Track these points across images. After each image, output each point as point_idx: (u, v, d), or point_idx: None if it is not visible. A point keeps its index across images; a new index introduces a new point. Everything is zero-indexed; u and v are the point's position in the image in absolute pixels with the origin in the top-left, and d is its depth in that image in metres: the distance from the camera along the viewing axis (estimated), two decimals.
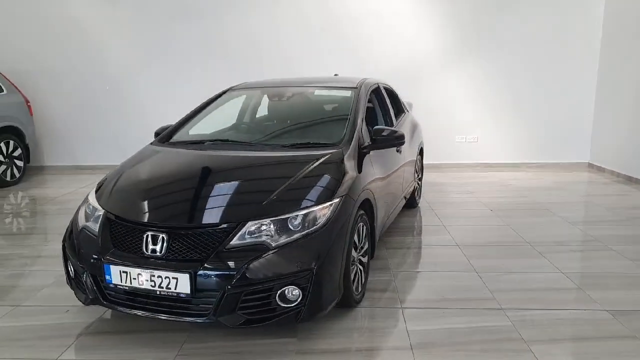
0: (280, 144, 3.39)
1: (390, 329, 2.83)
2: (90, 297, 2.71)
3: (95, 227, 2.78)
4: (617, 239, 4.35)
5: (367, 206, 3.28)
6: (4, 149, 6.84)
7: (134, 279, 2.54)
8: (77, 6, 7.77)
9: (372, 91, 4.35)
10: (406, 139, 4.60)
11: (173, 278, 2.47)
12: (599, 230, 4.61)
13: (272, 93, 4.29)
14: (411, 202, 5.33)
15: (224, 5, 7.63)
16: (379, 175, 3.56)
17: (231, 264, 2.45)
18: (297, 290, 2.51)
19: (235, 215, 2.60)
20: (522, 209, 5.42)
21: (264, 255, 2.48)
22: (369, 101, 4.39)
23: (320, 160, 3.02)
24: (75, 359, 2.56)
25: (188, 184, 2.92)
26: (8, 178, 6.91)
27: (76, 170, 8.06)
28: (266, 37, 7.70)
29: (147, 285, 2.52)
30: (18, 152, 7.10)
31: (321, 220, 2.65)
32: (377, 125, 4.29)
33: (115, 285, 2.59)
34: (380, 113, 4.36)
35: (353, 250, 2.94)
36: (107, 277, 2.60)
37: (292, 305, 2.53)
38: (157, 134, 3.88)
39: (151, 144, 3.61)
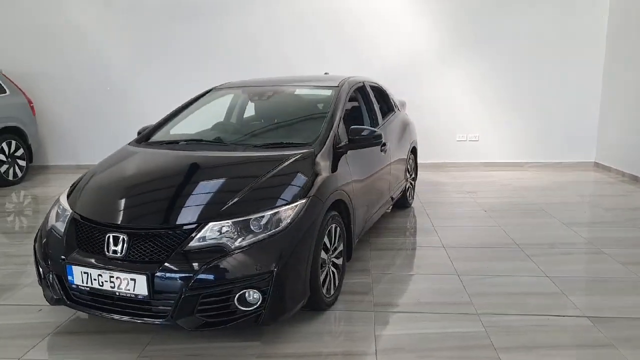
0: (253, 144, 3.35)
1: (358, 333, 2.76)
2: (56, 297, 2.71)
3: (62, 227, 2.78)
4: (612, 241, 4.21)
5: (342, 207, 3.22)
6: (6, 149, 6.93)
7: (95, 279, 2.52)
8: (78, 10, 7.83)
9: (357, 89, 4.28)
10: (395, 137, 4.58)
11: (131, 279, 2.45)
12: (594, 232, 4.48)
13: (252, 93, 4.26)
14: (402, 203, 5.25)
15: (223, 5, 7.63)
16: (358, 176, 3.50)
17: (188, 266, 2.42)
18: (257, 294, 2.47)
19: (196, 217, 2.56)
20: (518, 209, 5.29)
21: (222, 258, 2.44)
22: (354, 100, 4.34)
23: (289, 161, 2.96)
24: (38, 359, 2.56)
25: (153, 184, 2.89)
26: (10, 177, 7.00)
27: (78, 169, 8.14)
28: (265, 37, 7.67)
29: (107, 286, 2.50)
30: (20, 152, 7.19)
31: (285, 222, 2.60)
32: (362, 124, 4.23)
33: (77, 285, 2.59)
34: (365, 112, 4.29)
35: (323, 252, 2.89)
36: (70, 277, 2.59)
37: (252, 308, 2.48)
38: (138, 134, 3.88)
39: (129, 144, 3.60)
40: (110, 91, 8.09)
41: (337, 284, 3.15)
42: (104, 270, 2.49)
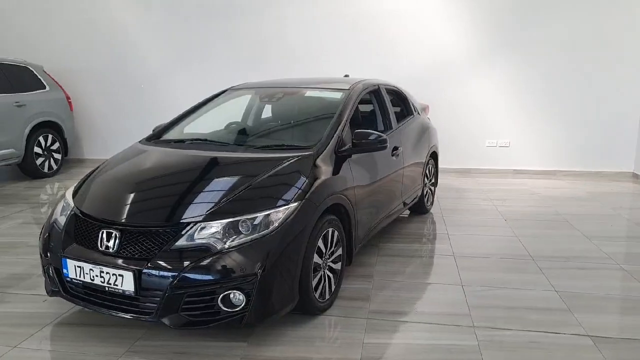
0: (255, 145, 3.37)
1: (346, 340, 2.73)
2: (53, 289, 2.81)
3: (63, 221, 2.87)
4: (634, 258, 3.99)
5: (343, 211, 3.20)
6: (42, 142, 7.25)
7: (87, 274, 2.60)
8: (117, 10, 8.12)
9: (372, 92, 4.23)
10: (411, 142, 4.50)
11: (119, 275, 2.51)
12: (616, 247, 4.25)
13: (264, 94, 4.27)
14: (419, 208, 5.15)
15: (255, 7, 7.70)
16: (362, 180, 3.46)
17: (174, 264, 2.46)
18: (241, 295, 2.48)
19: (186, 216, 2.59)
20: (540, 219, 5.09)
21: (207, 258, 2.46)
22: (368, 102, 4.30)
23: (286, 163, 2.96)
24: (31, 348, 2.66)
25: (150, 183, 2.95)
26: (46, 170, 7.32)
27: None
28: (295, 38, 7.69)
29: (97, 280, 2.57)
30: (56, 145, 7.51)
31: (274, 225, 2.59)
32: (375, 127, 4.18)
33: (72, 279, 2.67)
34: (379, 115, 4.23)
35: (317, 256, 2.87)
36: (65, 270, 2.68)
37: (236, 309, 2.49)
38: (153, 131, 3.97)
39: (139, 141, 3.68)
40: (145, 88, 8.34)
41: (333, 289, 3.12)
42: (95, 265, 2.56)
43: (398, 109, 4.82)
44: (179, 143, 3.51)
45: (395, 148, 4.11)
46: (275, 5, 7.66)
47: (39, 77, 7.40)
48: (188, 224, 2.55)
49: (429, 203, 5.32)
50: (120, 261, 2.52)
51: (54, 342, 2.72)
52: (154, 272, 2.46)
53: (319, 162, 3.07)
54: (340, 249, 3.18)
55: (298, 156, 3.05)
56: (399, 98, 4.89)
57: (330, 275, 3.08)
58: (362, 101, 4.30)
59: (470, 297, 3.25)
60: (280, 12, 7.66)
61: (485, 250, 4.16)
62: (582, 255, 4.04)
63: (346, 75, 5.16)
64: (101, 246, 2.61)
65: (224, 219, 2.56)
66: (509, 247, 4.25)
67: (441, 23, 7.29)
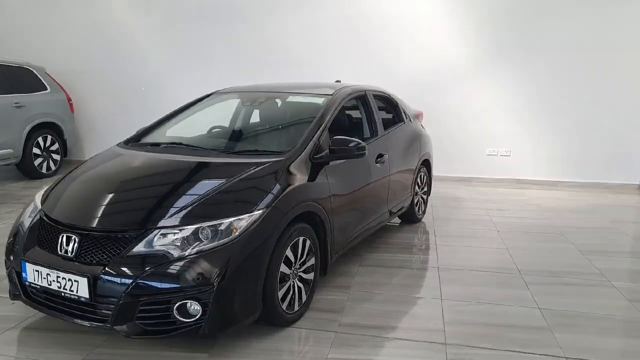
0: (229, 150, 3.30)
1: (309, 354, 2.63)
2: (15, 292, 2.76)
3: (27, 224, 2.83)
4: (626, 274, 3.84)
5: (317, 220, 3.11)
6: (42, 143, 7.28)
7: (44, 278, 2.55)
8: (119, 12, 8.16)
9: (358, 98, 4.15)
10: (400, 149, 4.41)
11: (75, 281, 2.45)
12: (610, 262, 4.09)
13: (246, 98, 4.21)
14: (410, 217, 5.04)
15: (258, 11, 7.68)
16: (340, 187, 3.36)
17: (129, 271, 2.39)
18: (197, 305, 2.40)
19: (145, 222, 2.53)
20: (534, 232, 4.94)
21: (162, 266, 2.39)
22: (354, 108, 4.21)
23: (255, 169, 2.88)
24: None
25: (114, 187, 2.88)
26: (44, 170, 7.35)
27: None
28: (295, 42, 7.64)
29: (54, 286, 2.52)
30: (56, 146, 7.54)
31: (235, 233, 2.51)
32: (360, 133, 4.10)
33: (30, 283, 2.62)
34: (365, 121, 4.14)
35: (285, 266, 2.78)
36: (24, 274, 2.63)
37: (192, 320, 2.42)
38: (136, 133, 3.92)
39: (117, 144, 3.64)
40: (146, 91, 8.35)
41: (304, 300, 3.03)
42: (52, 270, 2.51)
43: (388, 116, 4.74)
44: (155, 147, 3.45)
45: (380, 155, 4.01)
46: (276, 10, 7.62)
47: (41, 78, 7.44)
48: (147, 230, 2.49)
49: (420, 212, 5.20)
50: (76, 266, 2.46)
51: (13, 347, 2.67)
52: (108, 278, 2.40)
53: (291, 168, 2.99)
54: (313, 258, 3.09)
55: (269, 162, 2.97)
56: (390, 104, 4.80)
57: (301, 285, 2.99)
58: (348, 107, 4.23)
59: (448, 312, 3.13)
60: (281, 16, 7.63)
61: (471, 263, 4.03)
62: (573, 271, 3.89)
63: (337, 81, 5.08)
64: (60, 250, 2.56)
65: (184, 225, 2.49)
66: (497, 260, 4.12)
67: (443, 29, 7.18)
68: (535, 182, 7.27)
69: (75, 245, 2.53)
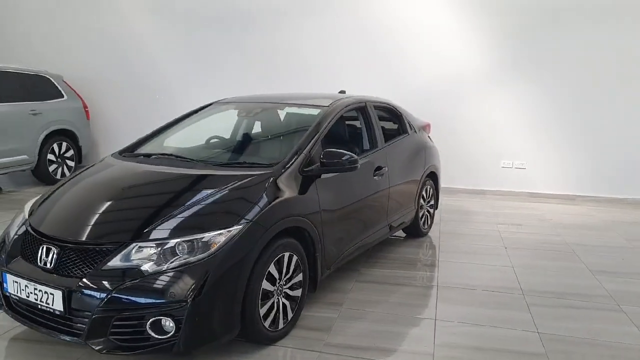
0: (217, 163, 3.24)
1: None
2: None
3: (12, 234, 2.83)
4: (637, 298, 3.64)
5: (306, 235, 3.03)
6: (56, 149, 7.41)
7: (22, 290, 2.53)
8: (134, 22, 8.27)
9: (358, 110, 4.06)
10: (401, 161, 4.33)
11: (50, 294, 2.42)
12: (621, 284, 3.89)
13: (243, 109, 4.16)
14: (415, 231, 4.91)
15: (272, 20, 7.68)
16: (333, 201, 3.29)
17: (102, 285, 2.35)
18: (170, 322, 2.34)
19: (122, 235, 2.49)
20: (544, 249, 4.75)
21: (136, 281, 2.35)
22: (353, 120, 4.14)
23: (239, 182, 2.82)
24: None
25: (98, 198, 2.85)
26: (59, 176, 7.45)
27: None
28: (310, 51, 7.61)
29: (32, 297, 2.50)
30: (70, 153, 7.66)
31: (213, 248, 2.46)
32: (359, 145, 4.02)
33: (10, 294, 2.61)
34: (365, 133, 4.05)
35: (267, 283, 2.71)
36: (5, 285, 2.63)
37: (166, 337, 2.36)
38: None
39: (112, 154, 3.64)
40: (160, 98, 8.43)
41: (290, 318, 2.95)
42: (30, 282, 2.49)
43: (392, 127, 4.64)
44: (146, 157, 3.43)
45: (379, 168, 3.91)
46: (289, 18, 7.61)
47: (58, 86, 7.58)
48: (123, 243, 2.45)
49: (426, 226, 5.06)
50: (52, 279, 2.44)
51: None
52: (83, 292, 2.36)
53: (277, 181, 2.92)
54: (301, 274, 3.01)
55: (254, 175, 2.91)
56: (393, 115, 4.70)
57: (287, 302, 2.91)
58: (349, 118, 4.15)
59: (440, 334, 3.01)
60: (293, 25, 7.61)
61: (473, 281, 3.89)
62: (580, 292, 3.71)
63: (342, 91, 5.01)
64: (40, 262, 2.54)
65: (161, 240, 2.45)
66: (500, 278, 3.96)
67: (457, 38, 7.04)
68: (550, 195, 7.04)
69: (54, 257, 2.51)
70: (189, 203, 2.66)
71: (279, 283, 2.82)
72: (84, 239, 2.52)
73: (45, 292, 2.43)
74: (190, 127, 4.01)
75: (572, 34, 6.64)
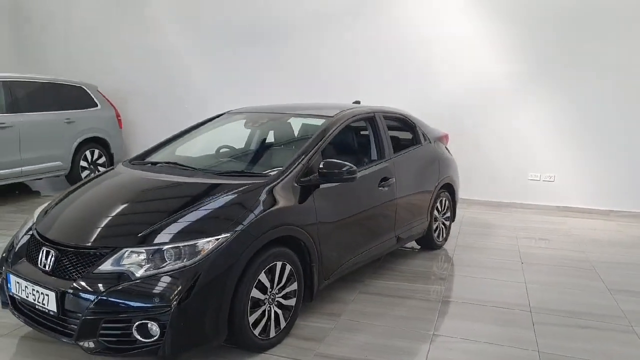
0: (216, 171, 3.31)
1: None
2: (4, 301, 2.89)
3: (21, 237, 2.98)
4: None
5: (302, 244, 3.05)
6: (89, 156, 7.73)
7: (23, 290, 2.66)
8: (168, 36, 8.57)
9: (367, 120, 4.06)
10: (412, 172, 4.31)
11: (45, 295, 2.53)
12: (639, 305, 3.70)
13: (250, 119, 4.23)
14: (428, 244, 4.83)
15: (296, 32, 7.78)
16: (332, 211, 3.29)
17: (92, 288, 2.44)
18: (155, 326, 2.40)
19: (114, 240, 2.59)
20: (563, 265, 4.58)
21: (123, 284, 2.42)
22: (362, 130, 4.13)
23: (232, 191, 2.87)
24: None
25: (97, 205, 2.97)
26: None
27: None
28: (332, 62, 7.65)
29: (30, 298, 2.62)
30: (102, 159, 7.97)
31: (200, 255, 2.51)
32: (366, 156, 4.01)
33: (13, 294, 2.74)
34: (373, 144, 4.03)
35: (257, 291, 2.74)
36: (9, 285, 2.76)
37: (151, 340, 2.42)
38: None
39: (122, 162, 3.76)
40: (192, 109, 8.65)
41: (282, 327, 2.96)
42: (29, 283, 2.61)
43: (403, 137, 4.60)
44: (152, 166, 3.53)
45: (385, 179, 3.88)
46: (317, 31, 7.67)
47: (92, 96, 7.91)
48: (115, 248, 2.54)
49: (441, 238, 4.97)
50: (48, 280, 2.55)
51: (0, 353, 2.80)
52: (74, 293, 2.46)
53: (271, 190, 2.96)
54: (295, 284, 3.02)
55: (249, 184, 2.95)
56: (407, 126, 4.66)
57: (279, 311, 2.93)
58: (357, 129, 4.15)
59: (435, 350, 2.95)
60: (321, 38, 7.66)
61: (480, 296, 3.79)
62: (592, 312, 3.55)
63: (357, 102, 5.02)
64: (40, 264, 2.66)
65: (149, 246, 2.52)
66: (510, 294, 3.84)
67: (483, 48, 6.92)
68: (581, 210, 6.77)
69: (52, 259, 2.62)
70: (181, 210, 2.72)
71: (270, 292, 2.84)
72: (79, 243, 2.62)
73: (42, 293, 2.55)
74: (201, 136, 4.11)
75: (601, 41, 6.41)
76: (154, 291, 2.40)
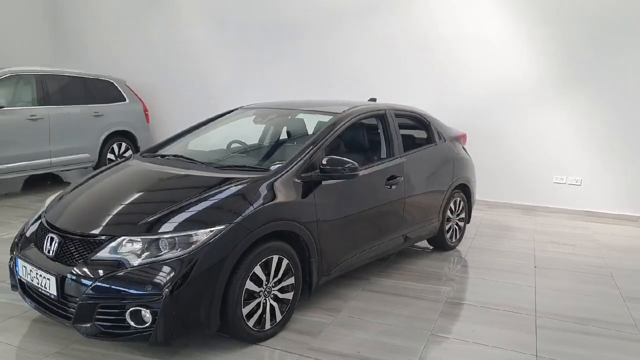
0: (219, 165, 3.36)
1: None
2: (13, 284, 3.03)
3: (31, 223, 3.11)
4: None
5: (301, 240, 3.07)
6: (116, 149, 7.97)
7: (28, 274, 2.78)
8: (195, 30, 8.72)
9: (377, 117, 4.04)
10: (423, 171, 4.28)
11: (47, 279, 2.64)
12: None
13: (260, 115, 4.27)
14: (441, 244, 4.78)
15: (319, 29, 7.79)
16: (333, 207, 3.30)
17: (89, 274, 2.53)
18: (148, 313, 2.47)
19: (113, 229, 2.68)
20: (579, 271, 4.44)
21: (118, 271, 2.50)
22: (372, 128, 4.12)
23: (229, 185, 2.92)
24: None
25: (102, 194, 3.08)
26: None
27: None
28: (354, 60, 7.63)
29: (35, 282, 2.74)
30: (129, 153, 8.19)
31: (193, 246, 2.56)
32: (375, 153, 4.00)
33: (21, 277, 2.87)
34: (383, 142, 4.02)
35: (252, 284, 2.78)
36: (17, 268, 2.89)
37: (144, 326, 2.49)
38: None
39: (134, 155, 3.87)
40: (215, 103, 8.79)
41: (278, 320, 2.99)
42: (34, 267, 2.73)
43: (416, 136, 4.56)
44: (160, 158, 3.62)
45: (393, 177, 3.86)
46: (340, 28, 7.65)
47: (121, 90, 8.15)
48: (114, 236, 2.62)
49: (454, 239, 4.90)
50: (50, 265, 2.66)
51: (8, 334, 2.92)
52: (73, 278, 2.56)
53: (270, 185, 2.99)
54: (293, 278, 3.05)
55: (247, 178, 2.99)
56: (421, 124, 4.61)
57: (275, 304, 2.96)
58: (368, 126, 4.14)
59: (429, 349, 2.92)
60: (344, 34, 7.64)
61: (485, 298, 3.72)
62: (601, 319, 3.44)
63: (372, 99, 5.00)
64: (45, 250, 2.78)
65: (146, 235, 2.60)
66: (518, 298, 3.76)
67: (507, 47, 6.76)
68: (607, 215, 6.53)
69: (56, 246, 2.73)
70: (178, 202, 2.79)
71: (266, 285, 2.88)
72: (82, 231, 2.72)
73: (45, 277, 2.66)
74: (215, 130, 4.18)
75: (630, 41, 6.16)
76: (147, 279, 2.48)
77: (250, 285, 2.77)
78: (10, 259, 3.05)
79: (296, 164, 3.17)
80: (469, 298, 3.73)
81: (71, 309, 2.60)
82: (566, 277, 4.27)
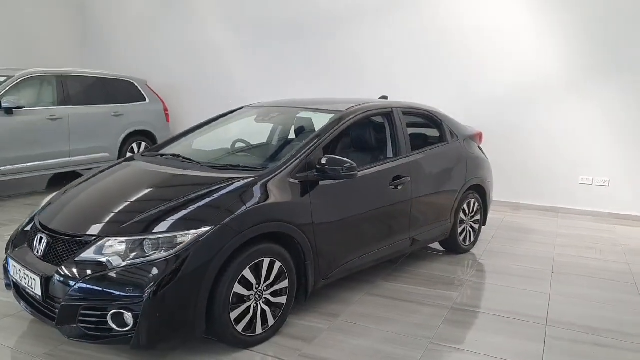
0: (213, 165, 3.29)
1: None
2: (7, 283, 3.04)
3: (26, 223, 3.11)
4: None
5: (295, 242, 2.97)
6: (135, 148, 8.04)
7: (17, 273, 2.77)
8: (214, 32, 8.75)
9: (383, 116, 3.90)
10: (432, 171, 4.12)
11: (33, 279, 2.62)
12: None
13: (262, 113, 4.18)
14: (453, 247, 4.59)
15: (331, 26, 7.68)
16: (332, 209, 3.19)
17: (72, 275, 2.50)
18: (129, 315, 2.42)
19: (97, 229, 2.63)
20: (600, 277, 4.19)
21: (100, 273, 2.46)
22: (379, 126, 3.98)
23: (221, 185, 2.84)
24: None
25: (94, 194, 3.05)
26: None
27: None
28: (372, 57, 7.48)
29: (23, 281, 2.72)
30: None
31: (177, 247, 2.50)
32: (381, 152, 3.87)
33: (12, 277, 2.87)
34: (389, 141, 3.87)
35: (240, 287, 2.69)
36: (9, 268, 2.89)
37: (126, 329, 2.44)
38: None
39: (136, 154, 3.84)
40: (233, 104, 8.78)
41: (270, 324, 2.90)
42: (22, 267, 2.72)
43: (427, 134, 4.40)
44: (159, 158, 3.58)
45: (398, 177, 3.71)
46: (355, 25, 7.52)
47: (141, 90, 8.22)
48: (98, 237, 2.58)
49: (468, 242, 4.70)
50: (37, 265, 2.64)
51: (1, 334, 2.93)
52: (56, 279, 2.53)
53: (262, 185, 2.90)
54: (287, 281, 2.95)
55: (239, 178, 2.91)
56: (432, 123, 4.44)
57: (267, 308, 2.87)
58: (372, 125, 4.01)
59: (427, 357, 2.78)
60: (360, 32, 7.51)
61: (495, 305, 3.54)
62: (617, 329, 3.21)
63: (384, 97, 4.86)
64: (35, 250, 2.77)
65: (129, 236, 2.54)
66: (529, 305, 3.56)
67: (531, 40, 6.48)
68: (637, 218, 6.18)
69: (44, 245, 2.71)
70: (167, 202, 2.73)
71: (256, 288, 2.79)
72: (69, 231, 2.69)
73: (31, 278, 2.64)
74: (219, 129, 4.13)
75: None
76: (129, 281, 2.42)
77: (238, 288, 2.68)
78: (5, 258, 3.05)
79: (291, 163, 3.07)
80: (477, 304, 3.56)
81: (56, 310, 2.57)
82: (584, 284, 4.04)
